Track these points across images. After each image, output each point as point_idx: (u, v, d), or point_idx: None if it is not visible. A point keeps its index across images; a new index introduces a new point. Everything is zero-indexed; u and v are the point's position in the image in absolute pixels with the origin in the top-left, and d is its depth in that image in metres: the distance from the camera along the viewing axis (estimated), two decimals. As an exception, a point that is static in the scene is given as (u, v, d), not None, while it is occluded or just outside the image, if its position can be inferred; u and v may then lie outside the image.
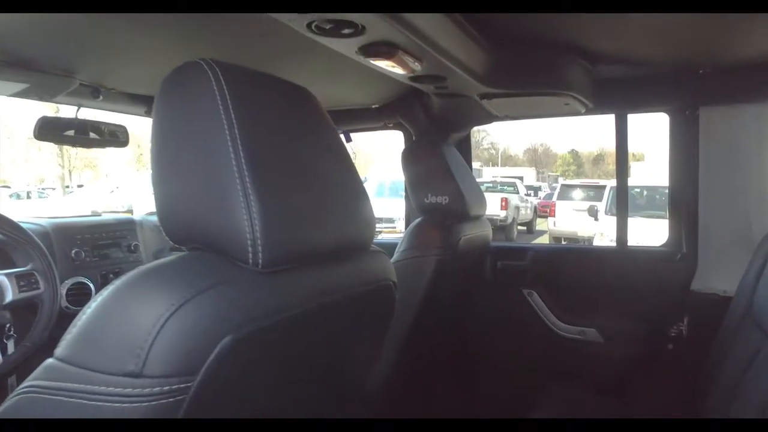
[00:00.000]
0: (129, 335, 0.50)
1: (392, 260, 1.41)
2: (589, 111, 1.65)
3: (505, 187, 13.24)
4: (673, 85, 1.58)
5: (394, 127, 1.99)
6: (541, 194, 17.80)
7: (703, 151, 1.63)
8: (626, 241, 1.81)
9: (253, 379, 0.62)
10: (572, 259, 1.87)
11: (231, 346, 0.53)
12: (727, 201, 1.61)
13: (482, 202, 1.62)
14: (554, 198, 11.20)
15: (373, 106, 1.88)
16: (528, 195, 14.72)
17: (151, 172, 0.63)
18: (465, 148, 1.98)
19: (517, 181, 14.72)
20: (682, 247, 1.70)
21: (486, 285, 1.89)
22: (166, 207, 0.62)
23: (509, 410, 1.50)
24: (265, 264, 0.57)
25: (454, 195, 1.47)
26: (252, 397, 0.64)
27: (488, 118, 1.80)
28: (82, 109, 1.58)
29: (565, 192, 11.00)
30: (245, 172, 0.57)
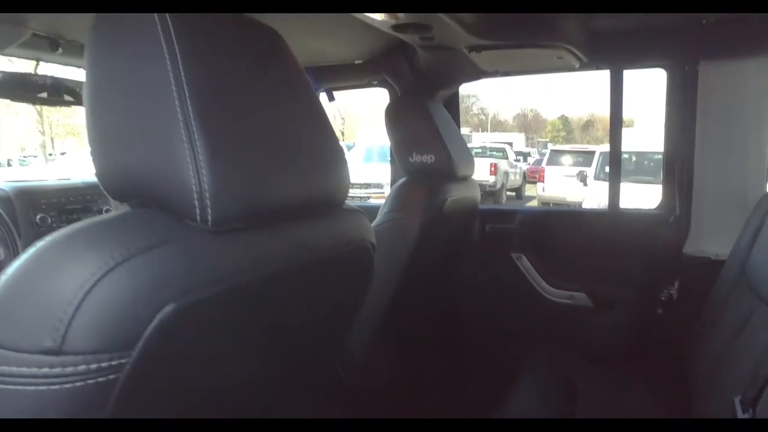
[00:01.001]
0: (47, 306, 0.42)
1: (375, 223, 1.34)
2: (583, 66, 1.57)
3: (495, 153, 13.20)
4: (673, 39, 1.50)
5: (379, 85, 1.89)
6: (531, 160, 17.80)
7: (700, 110, 1.56)
8: (618, 204, 1.75)
9: (203, 355, 0.54)
10: (562, 222, 1.81)
11: (174, 317, 0.46)
12: (723, 162, 1.56)
13: (470, 163, 1.54)
14: (543, 163, 11.16)
15: (357, 62, 1.77)
16: (517, 161, 14.68)
17: (85, 119, 0.54)
18: (453, 107, 1.89)
19: (507, 147, 14.67)
20: (676, 210, 1.65)
21: (474, 249, 1.84)
22: (102, 158, 0.53)
23: (497, 376, 1.46)
24: (216, 221, 0.49)
25: (440, 154, 1.39)
26: (203, 377, 0.57)
27: (477, 73, 1.71)
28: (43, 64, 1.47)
29: (555, 157, 10.95)
30: (190, 114, 0.49)
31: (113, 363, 0.44)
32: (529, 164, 16.10)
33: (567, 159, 10.72)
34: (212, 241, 0.51)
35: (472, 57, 1.47)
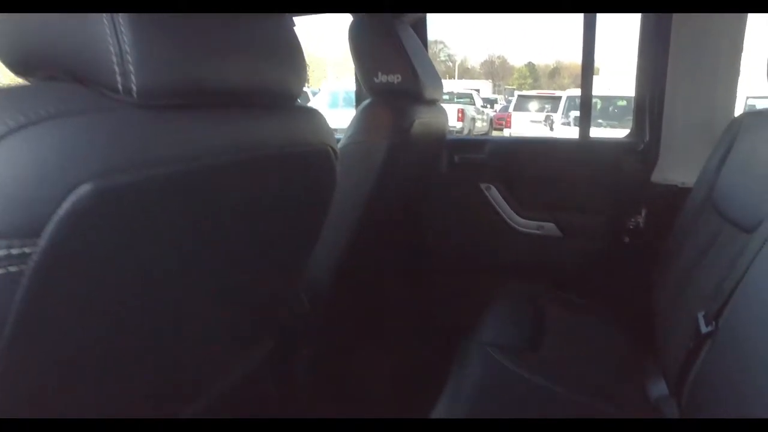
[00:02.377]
0: None
1: (339, 146, 1.27)
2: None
3: (462, 99, 13.09)
4: None
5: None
6: (497, 107, 17.74)
7: (673, 42, 1.53)
8: (588, 133, 1.72)
9: (127, 254, 0.47)
10: (532, 152, 1.77)
11: (90, 200, 0.38)
12: (693, 91, 1.54)
13: (438, 85, 1.47)
14: (510, 109, 11.15)
15: None
16: (484, 107, 14.60)
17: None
18: (420, 31, 1.79)
19: (474, 93, 14.56)
20: (645, 137, 1.63)
21: (442, 180, 1.79)
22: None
23: (466, 305, 1.45)
24: (142, 92, 0.41)
25: (407, 73, 1.31)
26: (127, 284, 0.49)
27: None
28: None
29: (522, 103, 10.92)
30: None
31: (13, 252, 0.36)
32: (495, 111, 16.03)
33: (534, 104, 10.71)
34: (140, 117, 0.43)
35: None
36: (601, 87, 7.45)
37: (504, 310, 1.43)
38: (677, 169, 1.57)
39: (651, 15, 1.57)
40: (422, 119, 1.32)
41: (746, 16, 1.46)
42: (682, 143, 1.57)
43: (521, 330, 1.33)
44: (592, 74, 1.69)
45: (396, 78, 1.32)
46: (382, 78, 1.33)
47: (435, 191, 1.78)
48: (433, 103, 1.47)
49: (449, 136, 1.78)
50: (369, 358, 1.56)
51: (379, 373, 1.58)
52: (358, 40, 1.37)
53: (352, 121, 1.27)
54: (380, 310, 1.58)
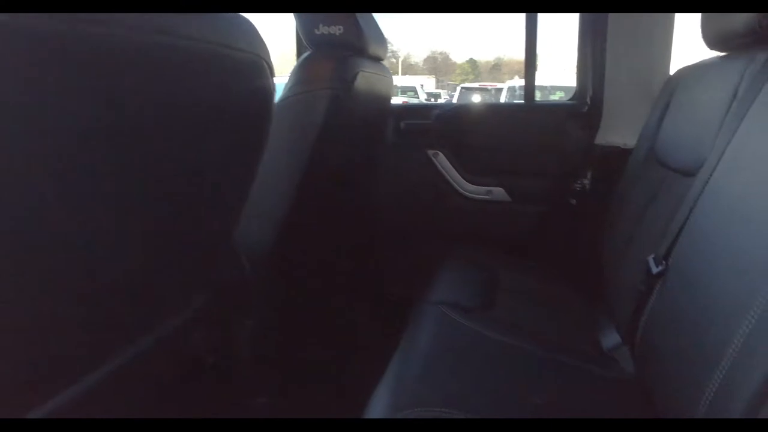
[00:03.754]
0: None
1: (279, 99, 1.20)
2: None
3: (406, 93, 13.14)
4: None
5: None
6: (441, 101, 17.94)
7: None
8: (533, 97, 1.72)
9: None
10: (478, 117, 1.76)
11: None
12: (632, 53, 1.57)
13: (382, 42, 1.41)
14: (454, 101, 11.29)
15: None
16: (428, 100, 14.72)
17: None
18: None
19: (418, 87, 14.64)
20: (587, 101, 1.65)
21: (389, 147, 1.74)
22: None
23: (416, 272, 1.41)
24: None
25: (349, 24, 1.25)
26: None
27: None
28: None
29: (465, 95, 11.11)
30: None
31: None
32: (439, 105, 16.18)
33: (476, 96, 10.92)
34: None
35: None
36: (540, 78, 7.69)
37: (456, 273, 1.40)
38: (620, 130, 1.59)
39: None
40: (366, 73, 1.26)
41: None
42: (623, 105, 1.60)
43: (474, 290, 1.30)
44: (535, 61, 1.71)
45: (338, 29, 1.25)
46: (323, 30, 1.26)
47: (381, 158, 1.73)
48: (378, 60, 1.42)
49: (395, 104, 1.74)
50: (317, 328, 1.50)
51: (328, 342, 1.52)
52: None
53: (291, 74, 1.19)
54: (328, 277, 1.51)
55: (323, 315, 1.55)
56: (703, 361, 0.71)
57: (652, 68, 1.56)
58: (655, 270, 0.97)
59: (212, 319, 1.01)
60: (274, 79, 0.68)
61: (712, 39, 1.08)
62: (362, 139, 1.44)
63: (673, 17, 1.54)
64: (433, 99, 17.57)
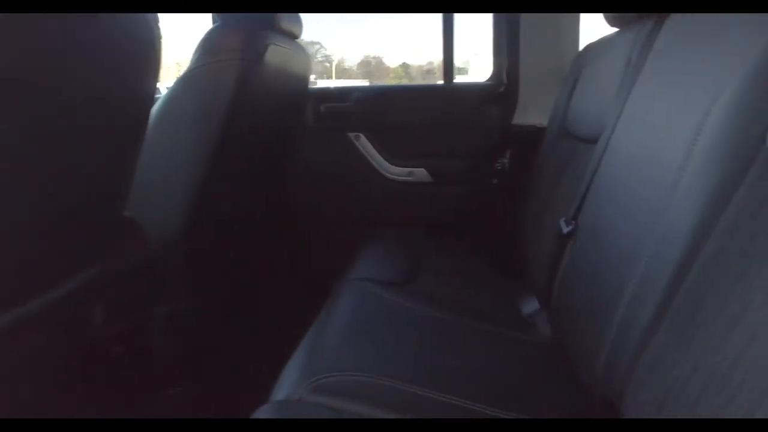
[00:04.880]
0: None
1: (185, 71, 1.14)
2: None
3: (340, 95, 13.14)
4: None
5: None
6: (376, 103, 18.13)
7: None
8: (452, 78, 1.74)
9: None
10: (399, 99, 1.76)
11: None
12: (543, 37, 1.63)
13: (297, 19, 1.38)
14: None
15: None
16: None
17: None
18: None
19: (352, 90, 14.71)
20: (503, 81, 1.68)
21: (308, 131, 1.71)
22: None
23: (340, 254, 1.38)
24: None
25: None
26: None
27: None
28: None
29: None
30: None
31: None
32: (374, 107, 16.32)
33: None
34: None
35: None
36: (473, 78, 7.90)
37: (378, 251, 1.39)
38: (535, 110, 1.64)
39: None
40: (278, 47, 1.22)
41: None
42: (538, 85, 1.64)
43: (396, 266, 1.29)
44: (452, 62, 1.75)
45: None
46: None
47: (301, 142, 1.70)
48: (292, 36, 1.38)
49: (314, 88, 1.71)
50: (236, 310, 1.44)
51: (248, 325, 1.46)
52: None
53: (197, 46, 1.13)
54: (247, 259, 1.46)
55: (243, 297, 1.49)
56: (604, 309, 0.73)
57: (563, 48, 1.61)
58: (565, 230, 1.00)
59: (119, 306, 0.95)
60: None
61: (610, 17, 1.13)
62: (278, 116, 1.40)
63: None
64: (367, 102, 17.72)
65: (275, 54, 1.20)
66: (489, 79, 1.75)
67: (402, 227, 1.62)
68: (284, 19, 1.27)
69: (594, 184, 0.97)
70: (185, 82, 1.09)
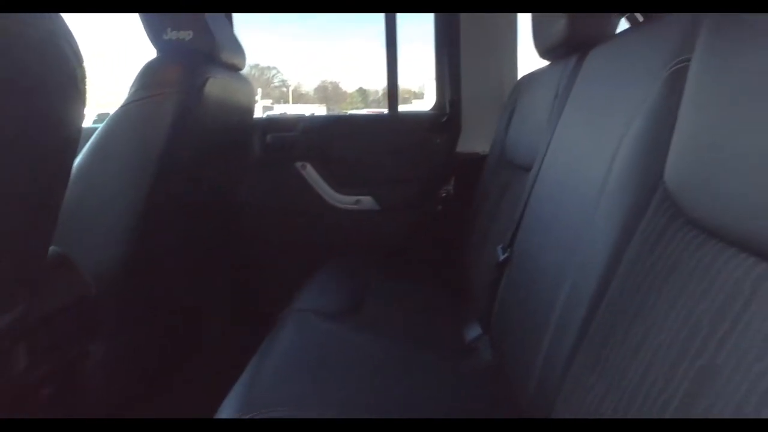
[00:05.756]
0: None
1: (120, 105, 1.12)
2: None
3: (297, 121, 13.16)
4: None
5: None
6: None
7: (463, 19, 1.67)
8: (397, 108, 1.78)
9: None
10: (345, 128, 1.78)
11: None
12: (483, 68, 1.69)
13: (239, 52, 1.38)
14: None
15: None
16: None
17: None
18: None
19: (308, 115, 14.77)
20: (446, 111, 1.74)
21: (255, 160, 1.71)
22: None
23: (287, 285, 1.38)
24: None
25: (200, 30, 1.20)
26: None
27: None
28: None
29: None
30: None
31: None
32: (330, 132, 16.44)
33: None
34: None
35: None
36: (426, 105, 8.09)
37: (324, 280, 1.39)
38: (477, 138, 1.70)
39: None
40: (218, 79, 1.22)
41: None
42: (480, 114, 1.71)
43: (342, 297, 1.29)
44: (396, 86, 1.78)
45: (187, 34, 1.21)
46: (172, 34, 1.21)
47: (249, 172, 1.69)
48: (234, 69, 1.38)
49: (260, 117, 1.72)
50: (180, 344, 1.40)
51: (190, 358, 1.43)
52: None
53: (134, 80, 1.12)
54: (190, 293, 1.43)
55: (185, 330, 1.45)
56: (534, 334, 0.75)
57: (502, 79, 1.69)
58: (501, 257, 1.03)
59: (48, 346, 0.91)
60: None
61: (541, 50, 1.20)
62: (221, 148, 1.39)
63: (516, 32, 1.69)
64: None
65: (215, 87, 1.20)
66: (432, 109, 1.80)
67: (350, 255, 1.62)
68: (225, 52, 1.28)
69: (527, 212, 1.01)
70: (122, 115, 1.08)
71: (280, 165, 1.72)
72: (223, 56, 1.27)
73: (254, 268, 1.74)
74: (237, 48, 1.38)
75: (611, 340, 0.54)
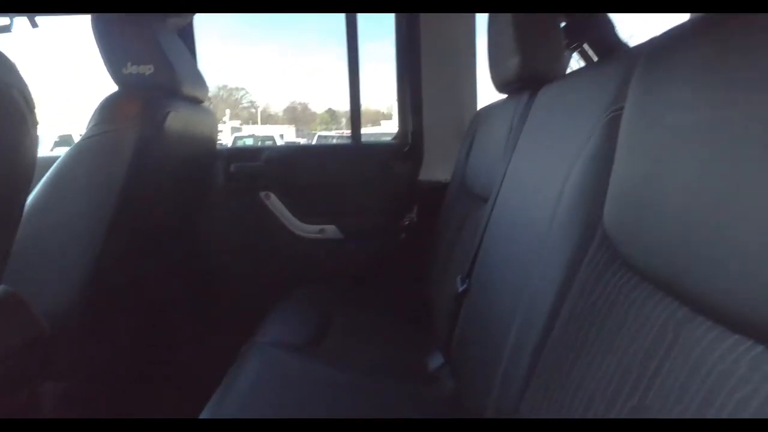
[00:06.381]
0: None
1: (80, 139, 1.11)
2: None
3: (265, 142, 13.20)
4: None
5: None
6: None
7: (424, 51, 1.71)
8: (359, 137, 1.81)
9: None
10: (308, 158, 1.79)
11: None
12: (444, 98, 1.73)
13: (201, 85, 1.39)
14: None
15: None
16: (288, 149, 14.89)
17: None
18: (188, 39, 1.71)
19: (277, 136, 14.79)
20: (408, 141, 1.77)
21: (219, 191, 1.70)
22: None
23: (251, 316, 1.37)
24: None
25: (161, 64, 1.21)
26: None
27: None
28: None
29: (322, 142, 11.45)
30: None
31: None
32: (300, 153, 16.55)
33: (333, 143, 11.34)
34: None
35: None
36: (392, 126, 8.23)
37: (288, 312, 1.38)
38: (439, 167, 1.73)
39: (402, 25, 1.73)
40: (180, 113, 1.22)
41: (474, 23, 1.70)
42: (441, 143, 1.74)
43: (305, 328, 1.29)
44: (358, 72, 1.78)
45: (148, 69, 1.21)
46: (132, 69, 1.21)
47: (213, 202, 1.69)
48: (196, 102, 1.39)
49: (224, 148, 1.72)
50: (140, 379, 1.37)
51: (152, 398, 1.39)
52: (103, 26, 1.23)
53: (93, 114, 1.12)
54: (151, 328, 1.40)
55: (148, 366, 1.42)
56: (490, 364, 0.77)
57: (462, 110, 1.73)
58: (460, 288, 1.05)
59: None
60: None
61: (497, 84, 1.24)
62: (182, 180, 1.39)
63: (476, 64, 1.74)
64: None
65: (176, 120, 1.20)
66: (395, 138, 1.83)
67: (315, 284, 1.63)
68: (187, 85, 1.28)
69: (484, 241, 1.03)
70: (80, 151, 1.07)
71: (244, 195, 1.71)
72: (185, 89, 1.27)
73: (218, 299, 1.72)
74: (199, 80, 1.38)
75: (559, 372, 0.55)
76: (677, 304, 0.41)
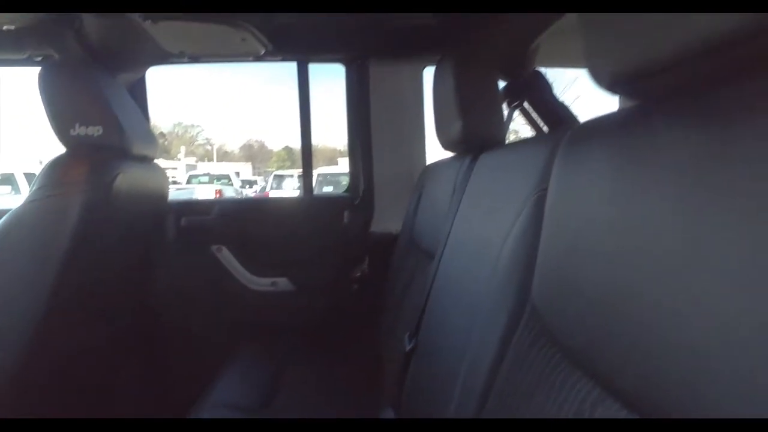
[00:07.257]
0: None
1: (24, 202, 1.10)
2: (269, 54, 1.60)
3: (220, 180, 13.05)
4: (347, 36, 1.64)
5: (40, 63, 1.58)
6: (257, 187, 18.12)
7: (373, 104, 1.76)
8: (311, 190, 1.83)
9: None
10: (260, 211, 1.80)
11: None
12: (394, 151, 1.79)
13: (151, 143, 1.39)
14: (268, 188, 11.50)
15: (5, 27, 1.44)
16: (243, 188, 14.73)
17: None
18: (140, 95, 1.72)
19: (232, 174, 14.66)
20: (359, 193, 1.81)
21: (168, 245, 1.68)
22: None
23: (202, 372, 1.34)
24: None
25: (110, 125, 1.20)
26: None
27: (162, 56, 1.59)
28: None
29: (278, 182, 11.42)
30: None
31: None
32: (255, 191, 16.36)
33: (288, 182, 11.29)
34: None
35: (151, 31, 1.35)
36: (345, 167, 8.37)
37: (238, 372, 1.37)
38: (390, 219, 1.77)
39: (353, 77, 1.79)
40: (129, 174, 1.22)
41: (422, 78, 1.78)
42: (391, 197, 1.78)
43: (255, 387, 1.28)
44: (310, 123, 1.83)
45: (97, 130, 1.20)
46: (80, 130, 1.20)
47: (161, 258, 1.66)
48: (146, 160, 1.39)
49: (174, 201, 1.70)
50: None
51: None
52: (50, 87, 1.22)
53: (38, 177, 1.10)
54: (96, 391, 1.35)
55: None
56: (437, 415, 0.79)
57: (412, 163, 1.79)
58: (408, 347, 1.08)
59: None
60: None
61: (443, 143, 1.30)
62: (131, 238, 1.37)
63: (424, 120, 1.81)
64: (249, 185, 17.67)
65: (126, 181, 1.20)
66: (346, 191, 1.87)
67: (267, 337, 1.61)
68: (137, 144, 1.29)
69: (430, 299, 1.06)
70: (22, 215, 1.05)
71: (196, 248, 1.70)
72: (135, 149, 1.28)
73: (167, 359, 1.68)
74: (149, 139, 1.39)
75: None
76: (591, 384, 0.43)
